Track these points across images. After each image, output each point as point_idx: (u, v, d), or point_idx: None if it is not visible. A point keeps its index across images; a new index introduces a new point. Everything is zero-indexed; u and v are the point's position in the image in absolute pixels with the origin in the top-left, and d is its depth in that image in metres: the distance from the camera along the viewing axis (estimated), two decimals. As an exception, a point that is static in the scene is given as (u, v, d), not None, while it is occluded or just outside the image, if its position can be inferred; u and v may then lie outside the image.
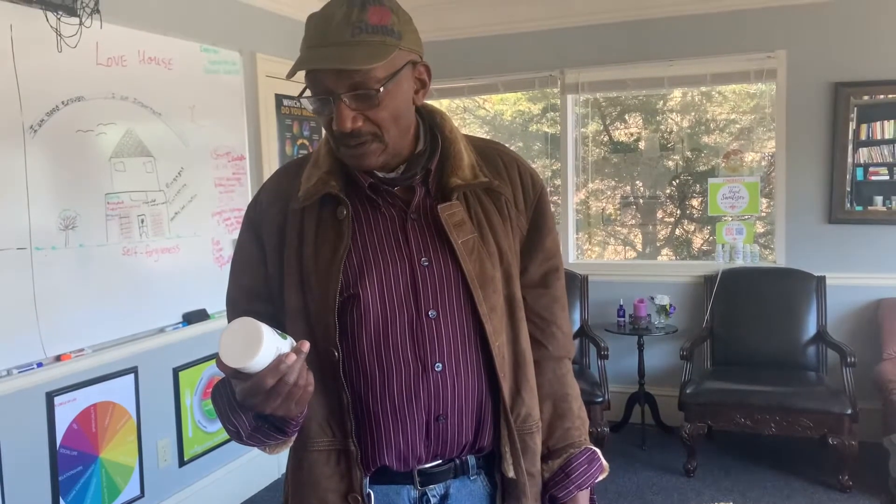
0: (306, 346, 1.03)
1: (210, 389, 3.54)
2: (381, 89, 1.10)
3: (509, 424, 1.21)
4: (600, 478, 1.31)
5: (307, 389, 1.04)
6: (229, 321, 1.28)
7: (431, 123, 1.27)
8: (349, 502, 1.17)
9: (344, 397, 1.16)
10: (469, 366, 1.19)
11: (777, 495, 3.63)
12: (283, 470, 4.02)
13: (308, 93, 1.14)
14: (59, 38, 2.70)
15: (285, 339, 1.03)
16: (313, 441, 1.18)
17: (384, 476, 1.20)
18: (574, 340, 1.40)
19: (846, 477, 3.65)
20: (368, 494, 1.18)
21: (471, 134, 1.37)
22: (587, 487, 1.30)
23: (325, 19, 1.10)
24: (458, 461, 1.23)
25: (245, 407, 1.07)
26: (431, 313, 1.18)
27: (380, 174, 1.21)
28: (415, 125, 1.23)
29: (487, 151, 1.31)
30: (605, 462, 1.33)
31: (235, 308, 1.27)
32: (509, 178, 1.30)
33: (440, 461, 1.22)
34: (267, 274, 1.25)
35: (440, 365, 1.17)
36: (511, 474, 1.21)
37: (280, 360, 1.00)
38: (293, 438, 1.16)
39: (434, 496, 1.22)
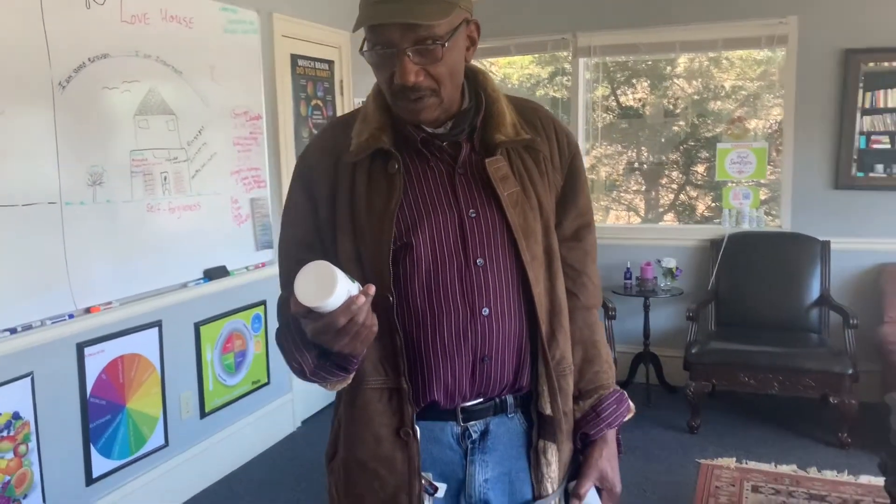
0: (372, 289, 1.10)
1: (229, 344, 3.65)
2: (446, 45, 1.16)
3: (547, 365, 1.29)
4: (627, 417, 1.41)
5: (372, 329, 1.12)
6: (282, 270, 1.36)
7: (475, 82, 1.33)
8: (400, 436, 1.26)
9: (397, 339, 1.24)
10: (512, 310, 1.27)
11: (778, 452, 3.75)
12: (298, 425, 4.16)
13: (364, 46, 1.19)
14: (87, -5, 2.74)
15: (353, 282, 1.10)
16: (368, 380, 1.26)
17: (430, 413, 1.29)
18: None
19: (845, 435, 3.77)
20: (415, 429, 1.27)
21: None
22: (616, 426, 1.39)
23: None
24: (497, 400, 1.31)
25: (312, 345, 1.15)
26: (479, 261, 1.25)
27: (429, 130, 1.28)
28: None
29: (526, 111, 1.38)
30: (631, 403, 1.42)
31: (288, 257, 1.34)
32: (546, 136, 1.37)
33: (482, 399, 1.30)
34: (318, 225, 1.32)
35: (487, 309, 1.25)
36: (548, 411, 1.30)
37: (351, 301, 1.07)
38: (352, 376, 1.24)
39: (475, 431, 1.31)
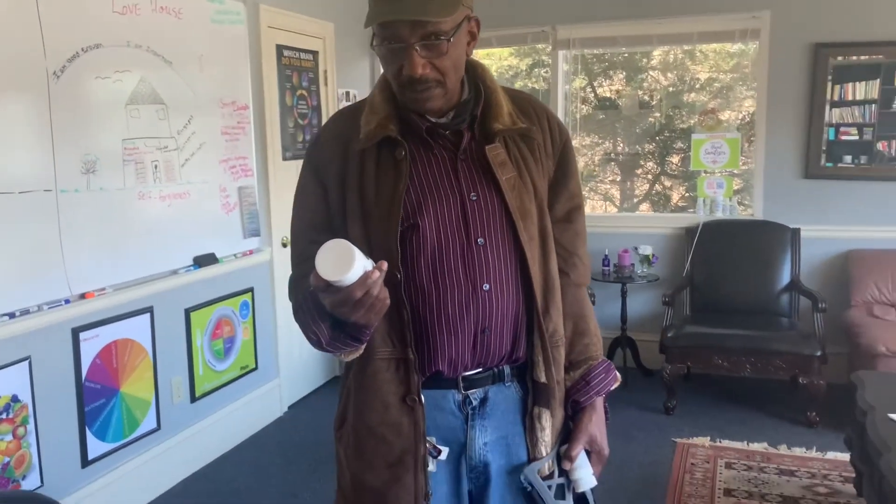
0: (385, 265, 1.20)
1: (218, 330, 3.72)
2: (450, 40, 1.26)
3: (542, 337, 1.40)
4: (614, 386, 1.52)
5: (385, 302, 1.21)
6: (294, 250, 1.46)
7: (474, 74, 1.43)
8: (407, 403, 1.35)
9: (404, 313, 1.33)
10: (510, 286, 1.37)
11: (750, 430, 3.91)
12: (285, 409, 4.23)
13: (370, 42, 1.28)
14: (82, -14, 2.78)
15: (368, 259, 1.19)
16: (377, 351, 1.35)
17: (433, 382, 1.39)
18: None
19: (814, 413, 3.94)
20: (421, 397, 1.37)
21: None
22: (604, 394, 1.50)
23: None
24: (495, 370, 1.42)
25: (327, 318, 1.24)
26: (480, 241, 1.35)
27: (432, 119, 1.37)
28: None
29: (520, 101, 1.48)
30: (618, 373, 1.54)
31: (301, 238, 1.43)
32: (540, 125, 1.47)
33: (481, 369, 1.40)
34: (328, 208, 1.40)
35: (487, 285, 1.35)
36: (543, 379, 1.41)
37: (367, 275, 1.16)
38: (363, 346, 1.33)
39: (475, 399, 1.41)
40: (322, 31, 4.58)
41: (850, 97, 4.49)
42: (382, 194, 1.34)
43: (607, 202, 6.42)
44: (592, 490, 1.47)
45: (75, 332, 2.91)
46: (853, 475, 3.13)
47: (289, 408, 4.35)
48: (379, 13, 1.24)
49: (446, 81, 1.30)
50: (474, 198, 1.36)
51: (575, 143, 5.50)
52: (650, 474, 3.47)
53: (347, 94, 4.82)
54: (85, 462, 2.98)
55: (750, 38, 4.68)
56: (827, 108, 4.52)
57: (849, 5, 4.40)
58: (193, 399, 3.59)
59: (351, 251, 1.14)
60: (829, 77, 4.49)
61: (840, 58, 4.47)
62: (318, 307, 1.24)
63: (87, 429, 2.98)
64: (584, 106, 5.66)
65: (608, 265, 4.77)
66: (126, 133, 3.12)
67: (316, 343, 1.30)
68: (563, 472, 1.45)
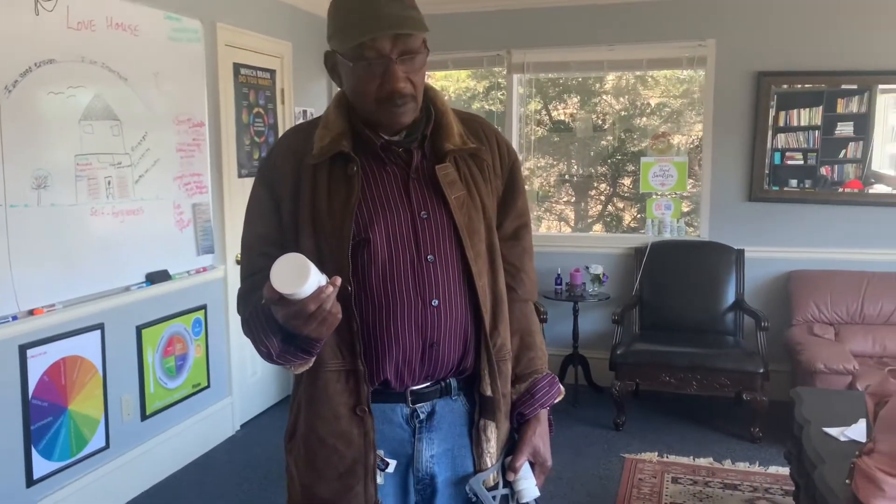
0: (338, 280, 1.23)
1: (170, 347, 3.69)
2: (427, 52, 1.33)
3: (489, 351, 1.44)
4: (558, 399, 1.57)
5: (337, 316, 1.24)
6: (244, 263, 1.48)
7: (425, 97, 1.48)
8: (357, 413, 1.39)
9: (354, 325, 1.37)
10: (459, 301, 1.42)
11: (696, 446, 4.01)
12: (237, 428, 4.20)
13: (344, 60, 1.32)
14: (36, 1, 2.78)
15: (321, 274, 1.23)
16: (327, 363, 1.39)
17: (382, 395, 1.42)
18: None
19: (757, 429, 4.06)
20: (370, 407, 1.40)
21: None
22: (548, 406, 1.55)
23: None
24: (443, 383, 1.46)
25: (277, 331, 1.27)
26: (430, 257, 1.40)
27: (385, 136, 1.42)
28: None
29: (471, 123, 1.54)
30: (562, 387, 1.59)
31: (251, 251, 1.46)
32: (489, 146, 1.53)
33: (429, 382, 1.44)
34: (280, 222, 1.43)
35: (436, 301, 1.39)
36: (488, 393, 1.45)
37: (321, 289, 1.19)
38: (314, 359, 1.36)
39: (423, 412, 1.45)
40: (280, 49, 4.61)
41: (794, 123, 4.67)
42: (334, 208, 1.38)
43: (562, 222, 6.54)
44: (536, 500, 1.51)
45: (22, 349, 2.87)
46: (793, 488, 3.23)
47: (241, 426, 4.32)
48: (364, 30, 1.29)
49: (418, 96, 1.37)
50: (424, 216, 1.41)
51: (530, 164, 5.60)
52: (599, 488, 3.53)
53: (304, 112, 4.85)
54: (30, 481, 2.93)
55: (697, 66, 4.85)
56: (770, 133, 4.69)
57: (790, 37, 4.59)
58: (144, 417, 3.55)
59: (306, 265, 1.17)
60: (773, 104, 4.66)
61: (784, 86, 4.66)
62: (270, 320, 1.27)
63: (32, 447, 2.93)
64: (539, 128, 5.78)
65: (560, 284, 4.86)
66: (79, 149, 3.10)
67: (266, 355, 1.32)
68: (508, 483, 1.50)
